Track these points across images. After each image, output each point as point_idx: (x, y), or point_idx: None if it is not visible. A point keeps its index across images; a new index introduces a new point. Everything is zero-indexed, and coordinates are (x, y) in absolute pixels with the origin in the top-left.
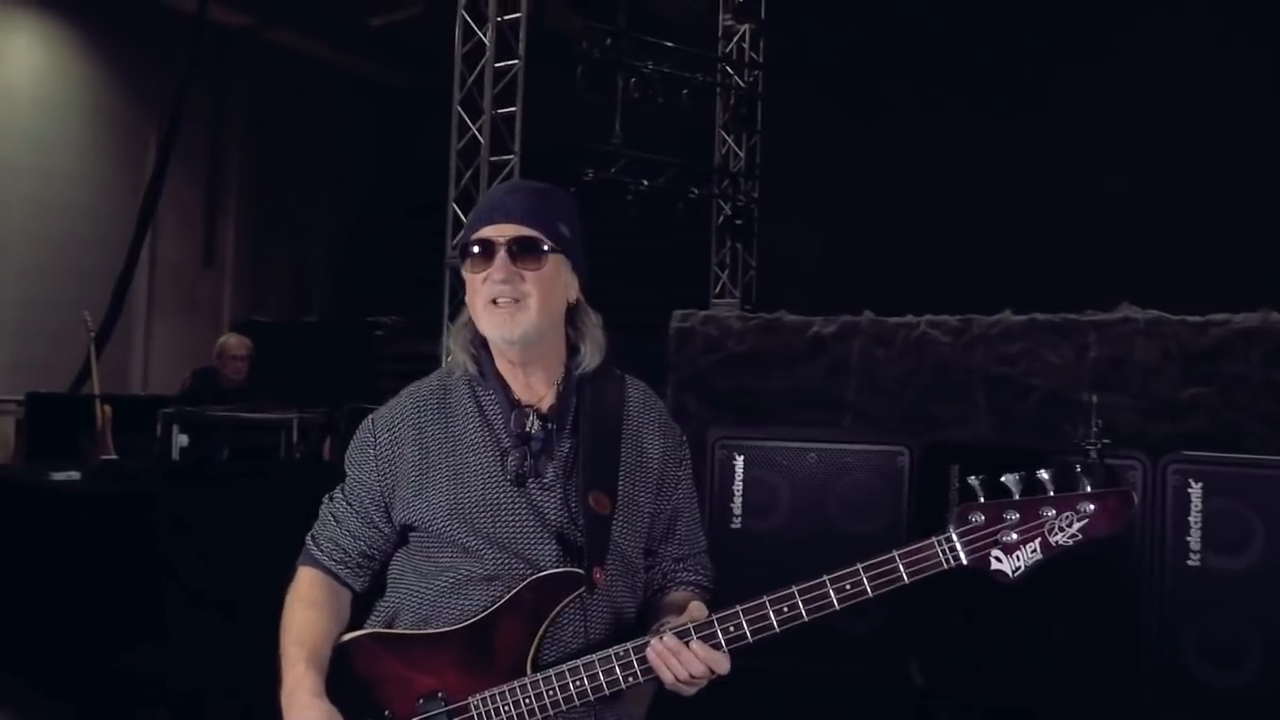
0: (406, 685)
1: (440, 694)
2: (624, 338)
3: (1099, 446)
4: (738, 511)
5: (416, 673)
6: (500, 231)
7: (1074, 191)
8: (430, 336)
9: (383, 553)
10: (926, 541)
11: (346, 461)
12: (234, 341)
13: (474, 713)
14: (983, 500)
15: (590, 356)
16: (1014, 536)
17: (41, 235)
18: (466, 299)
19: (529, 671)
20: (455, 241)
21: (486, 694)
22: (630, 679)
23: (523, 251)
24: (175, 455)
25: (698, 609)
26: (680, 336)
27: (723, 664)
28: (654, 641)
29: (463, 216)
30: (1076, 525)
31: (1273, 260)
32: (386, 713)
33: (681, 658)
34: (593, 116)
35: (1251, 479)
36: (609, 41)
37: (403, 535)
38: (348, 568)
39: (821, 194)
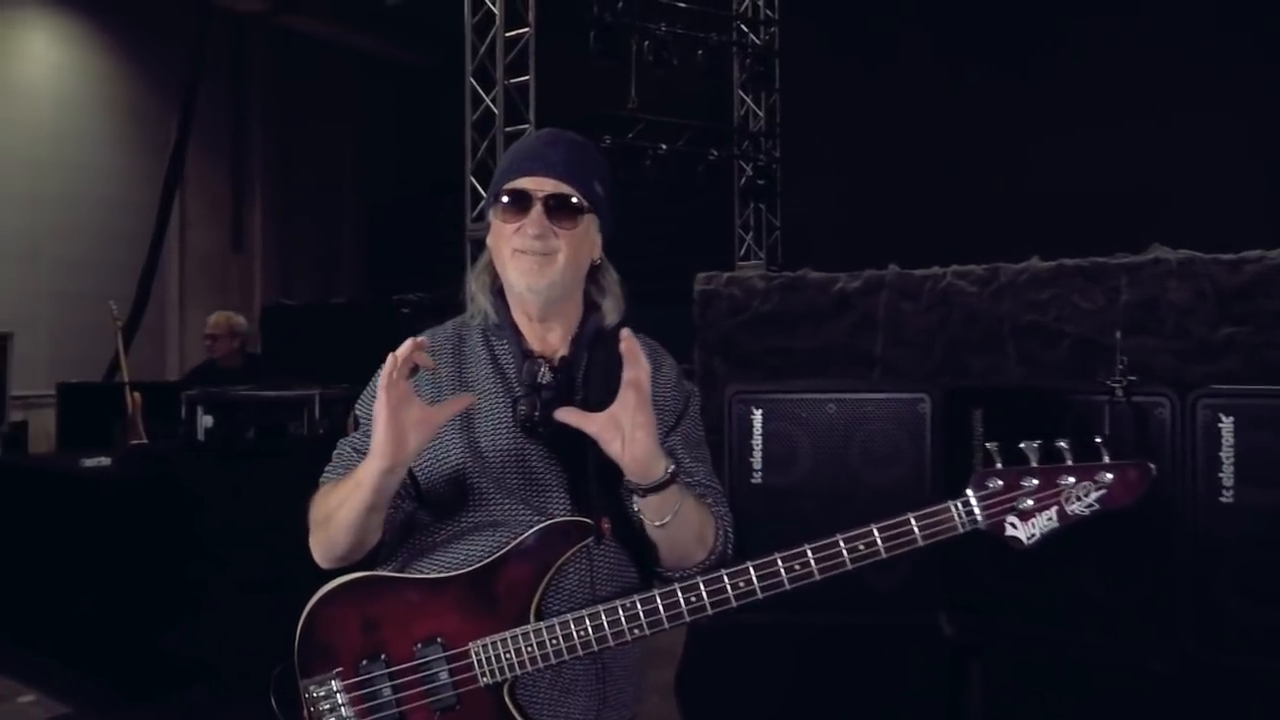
0: (404, 628)
1: (439, 639)
2: (649, 305)
3: (1124, 384)
4: (758, 466)
5: (416, 616)
6: (538, 185)
7: (1098, 137)
8: (457, 312)
9: (399, 496)
10: (943, 505)
11: (359, 409)
12: (210, 320)
13: (474, 659)
14: (1000, 466)
15: (610, 314)
16: (1030, 503)
17: (70, 230)
18: (490, 243)
19: (532, 619)
20: (492, 187)
21: (488, 640)
22: (635, 631)
23: (558, 208)
24: (200, 436)
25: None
26: (705, 299)
27: (640, 370)
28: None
29: (481, 190)
30: (1094, 495)
31: None
32: (383, 656)
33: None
34: (608, 82)
35: None
36: (621, 4)
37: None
38: None
39: (843, 150)
